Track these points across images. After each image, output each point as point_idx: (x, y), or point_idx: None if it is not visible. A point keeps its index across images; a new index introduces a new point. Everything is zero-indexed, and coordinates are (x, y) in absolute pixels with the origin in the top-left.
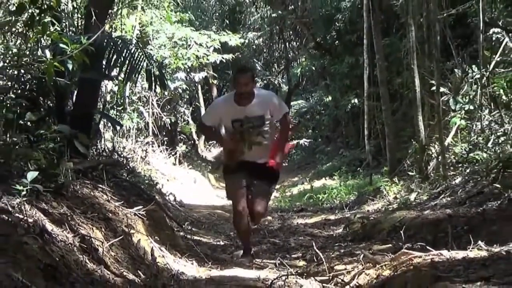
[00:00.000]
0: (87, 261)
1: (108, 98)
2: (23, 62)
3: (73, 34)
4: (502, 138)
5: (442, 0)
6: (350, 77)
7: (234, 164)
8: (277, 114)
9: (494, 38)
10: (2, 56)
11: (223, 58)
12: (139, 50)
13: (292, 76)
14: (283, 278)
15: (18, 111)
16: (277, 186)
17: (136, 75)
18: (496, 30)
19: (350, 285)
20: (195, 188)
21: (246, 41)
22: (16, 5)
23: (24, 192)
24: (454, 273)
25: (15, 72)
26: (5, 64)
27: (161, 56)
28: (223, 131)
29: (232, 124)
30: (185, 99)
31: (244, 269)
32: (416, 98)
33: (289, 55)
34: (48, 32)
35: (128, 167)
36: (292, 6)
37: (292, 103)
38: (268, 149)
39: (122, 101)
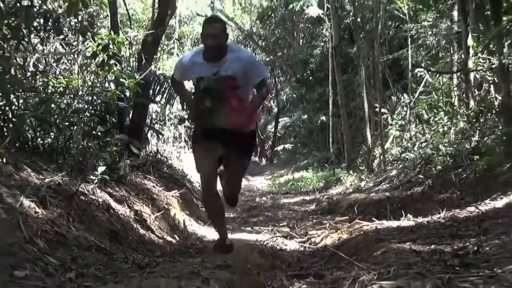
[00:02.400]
0: (139, 228)
1: (154, 116)
2: (95, 91)
3: (129, 72)
4: (424, 144)
5: (383, 49)
6: (320, 102)
7: (202, 131)
8: (254, 77)
9: (418, 75)
10: (81, 87)
11: None
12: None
13: (280, 101)
14: (274, 239)
15: (92, 125)
16: (269, 177)
17: (173, 100)
18: (420, 69)
19: (320, 244)
20: None
21: None
22: (91, 52)
23: (96, 180)
24: (391, 236)
25: (90, 98)
26: (83, 92)
27: (190, 87)
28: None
29: (198, 82)
30: None
31: (247, 233)
32: (365, 116)
33: (278, 87)
34: (112, 71)
35: (167, 163)
36: (280, 53)
37: (280, 119)
38: (243, 117)
39: (163, 118)
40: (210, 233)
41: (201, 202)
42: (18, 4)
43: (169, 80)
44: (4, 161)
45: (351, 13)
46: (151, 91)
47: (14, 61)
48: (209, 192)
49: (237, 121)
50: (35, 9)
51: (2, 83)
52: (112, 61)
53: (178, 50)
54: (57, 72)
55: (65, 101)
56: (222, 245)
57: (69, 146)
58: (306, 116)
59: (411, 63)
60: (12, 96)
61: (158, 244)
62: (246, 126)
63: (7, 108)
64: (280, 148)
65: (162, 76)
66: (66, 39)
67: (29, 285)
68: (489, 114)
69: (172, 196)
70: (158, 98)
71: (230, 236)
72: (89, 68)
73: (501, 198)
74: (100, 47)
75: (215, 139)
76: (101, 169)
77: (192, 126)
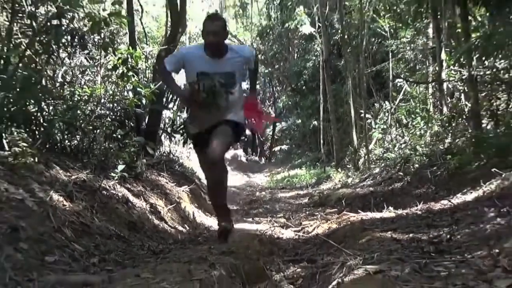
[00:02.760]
0: (154, 219)
1: (167, 120)
2: (115, 99)
3: (145, 82)
4: (403, 145)
5: (367, 62)
6: (312, 108)
7: (198, 134)
8: (251, 64)
9: (398, 85)
10: (103, 96)
11: None
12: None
13: (277, 108)
14: (272, 229)
15: (113, 128)
16: (268, 174)
17: (184, 108)
18: (399, 80)
19: (312, 233)
20: None
21: None
22: (112, 65)
23: (116, 177)
24: (375, 226)
25: (111, 105)
26: (105, 100)
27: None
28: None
29: (197, 76)
30: None
31: (248, 224)
32: (352, 121)
33: (276, 95)
34: (131, 81)
35: (179, 162)
36: (277, 66)
37: (277, 124)
38: (236, 110)
39: (175, 122)
40: (216, 224)
41: (207, 194)
42: (48, 23)
43: (159, 67)
44: (36, 160)
45: (339, 31)
46: (164, 99)
47: (45, 73)
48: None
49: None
50: (63, 28)
51: (34, 92)
52: (130, 73)
53: None
54: (82, 83)
55: (89, 108)
56: (224, 232)
57: (93, 147)
58: (300, 121)
59: (392, 75)
60: (43, 103)
61: (171, 233)
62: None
63: (38, 114)
64: (277, 148)
65: None
66: (90, 53)
67: (57, 269)
68: (460, 119)
69: (183, 191)
70: (170, 105)
71: (235, 226)
72: (110, 79)
73: (471, 192)
74: (120, 61)
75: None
76: (120, 167)
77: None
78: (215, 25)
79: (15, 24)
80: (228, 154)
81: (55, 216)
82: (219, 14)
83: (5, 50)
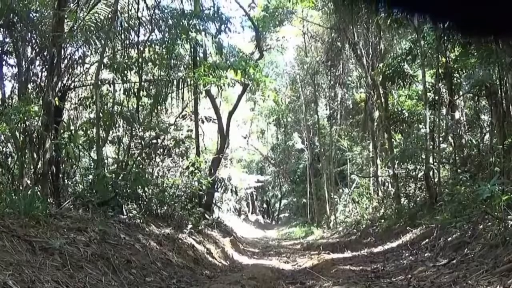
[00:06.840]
0: (209, 257)
1: (216, 198)
2: (187, 186)
3: (205, 176)
4: (356, 214)
5: (334, 165)
6: (302, 192)
7: None
8: None
9: (353, 178)
10: (180, 184)
11: (256, 184)
12: (228, 182)
13: (282, 191)
14: (278, 263)
15: (186, 203)
16: (276, 230)
17: (227, 191)
18: (353, 176)
19: (303, 266)
20: (247, 231)
21: (268, 179)
22: (186, 166)
23: (187, 232)
24: (340, 262)
25: (184, 189)
26: (181, 186)
27: (236, 186)
28: None
29: None
30: (244, 199)
31: (264, 260)
32: (326, 199)
33: (281, 183)
34: (197, 176)
35: (224, 223)
36: (282, 167)
37: (282, 201)
38: None
39: (221, 200)
40: (245, 260)
41: None
42: (150, 142)
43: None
44: (141, 221)
45: (318, 147)
46: (216, 186)
47: (147, 170)
48: None
49: None
50: (158, 144)
51: (141, 182)
52: (196, 171)
53: (230, 165)
54: (169, 176)
55: (172, 191)
56: None
57: (174, 214)
58: (295, 199)
59: (349, 172)
60: (146, 188)
61: (218, 266)
62: None
63: (143, 194)
64: (282, 215)
65: (222, 178)
66: (174, 159)
67: (153, 286)
68: (388, 199)
69: (226, 240)
70: (219, 189)
71: (256, 261)
72: (184, 174)
73: (395, 241)
74: (190, 164)
75: None
76: (189, 226)
77: None
78: None
79: (132, 142)
80: (252, 218)
81: (152, 254)
82: None
83: (126, 157)
